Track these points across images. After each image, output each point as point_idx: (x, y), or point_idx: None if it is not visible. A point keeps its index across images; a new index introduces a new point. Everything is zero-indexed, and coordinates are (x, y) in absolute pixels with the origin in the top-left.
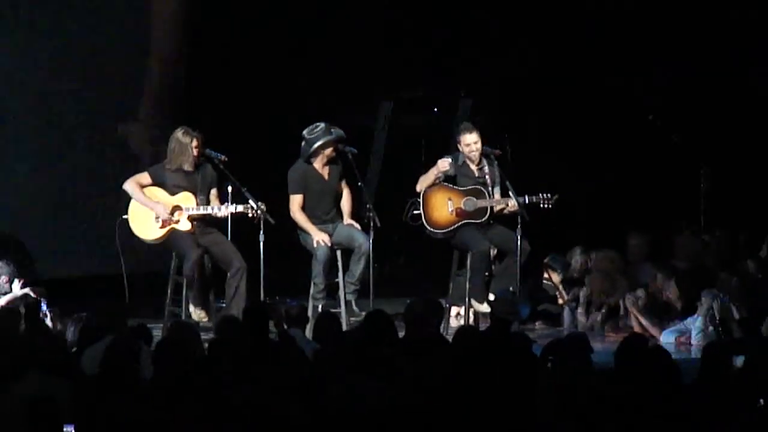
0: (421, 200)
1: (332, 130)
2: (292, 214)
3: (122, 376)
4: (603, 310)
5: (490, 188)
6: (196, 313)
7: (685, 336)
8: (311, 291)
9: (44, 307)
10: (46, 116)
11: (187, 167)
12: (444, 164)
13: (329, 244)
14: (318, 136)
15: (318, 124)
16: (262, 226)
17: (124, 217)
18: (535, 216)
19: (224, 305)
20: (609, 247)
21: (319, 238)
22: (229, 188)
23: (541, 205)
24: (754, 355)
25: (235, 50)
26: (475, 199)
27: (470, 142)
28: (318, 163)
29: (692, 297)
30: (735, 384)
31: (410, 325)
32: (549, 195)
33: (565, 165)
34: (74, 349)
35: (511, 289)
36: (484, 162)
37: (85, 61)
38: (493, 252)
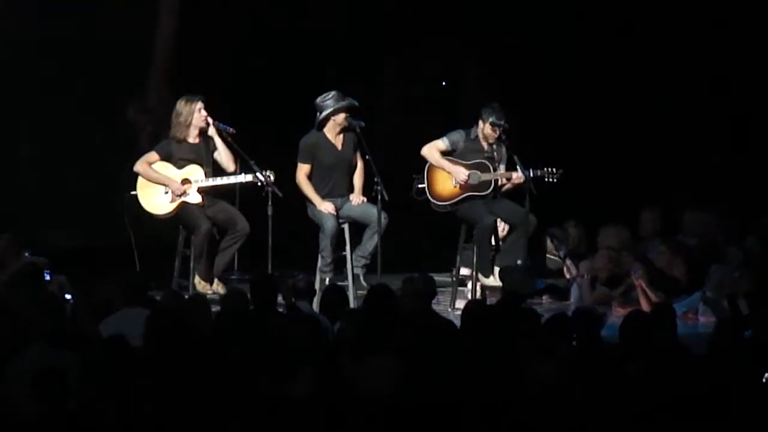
0: (425, 174)
1: (345, 98)
2: (297, 182)
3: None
4: (616, 288)
5: (496, 163)
6: (202, 285)
7: (692, 311)
8: (318, 264)
9: (48, 276)
10: (56, 86)
11: (192, 138)
12: (461, 178)
13: (334, 213)
14: (329, 103)
15: (330, 92)
16: (270, 198)
17: (133, 192)
18: (541, 190)
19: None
20: (617, 222)
21: (323, 207)
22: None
23: (546, 179)
24: (761, 329)
25: (242, 16)
26: (479, 173)
27: (491, 130)
28: (330, 132)
29: (700, 272)
30: (742, 358)
31: (405, 300)
32: (554, 169)
33: (575, 137)
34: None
35: (519, 262)
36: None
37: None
38: (504, 227)
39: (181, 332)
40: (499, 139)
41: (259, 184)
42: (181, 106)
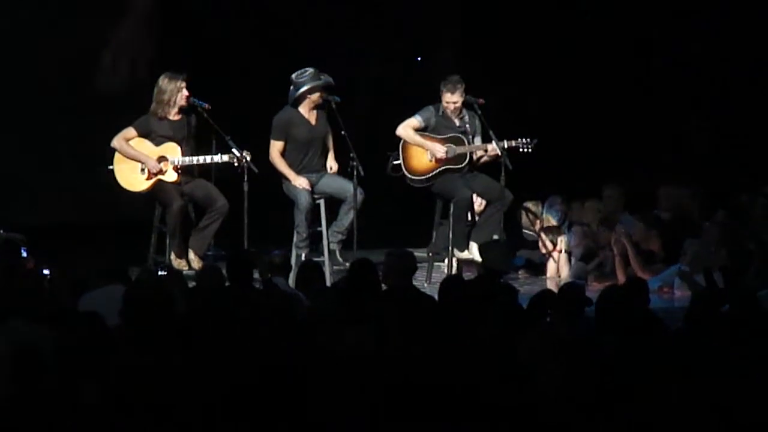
0: (400, 150)
1: (321, 76)
2: (271, 159)
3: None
4: (591, 262)
5: (470, 136)
6: (177, 262)
7: (668, 285)
8: (294, 240)
9: (24, 253)
10: (30, 64)
11: (173, 116)
12: (439, 154)
13: (309, 189)
14: (305, 80)
15: (307, 69)
16: (246, 175)
17: (110, 167)
18: (515, 163)
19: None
20: (589, 196)
21: (298, 182)
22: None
23: (521, 149)
24: (737, 304)
25: None
26: (454, 146)
27: (450, 101)
28: (304, 108)
29: (675, 247)
30: (719, 332)
31: (386, 276)
32: (528, 139)
33: (551, 111)
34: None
35: (495, 237)
36: (465, 112)
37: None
38: (480, 202)
39: (158, 308)
40: (471, 110)
41: (235, 164)
42: (164, 83)
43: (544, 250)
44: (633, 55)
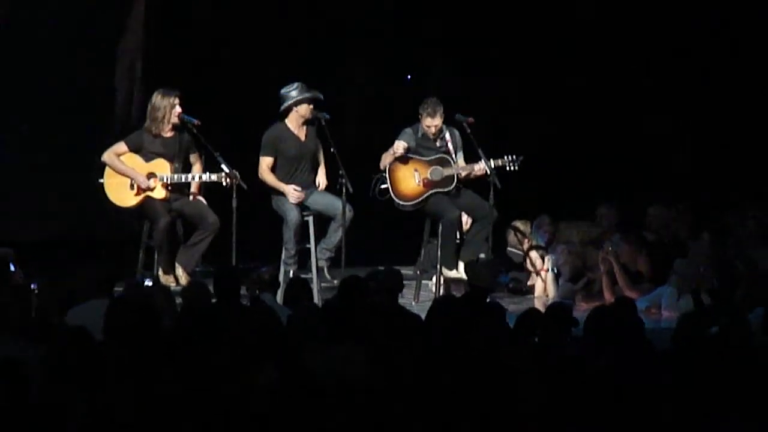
0: (387, 174)
1: (309, 90)
2: (260, 175)
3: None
4: (579, 282)
5: (453, 155)
6: (165, 278)
7: (655, 306)
8: (282, 256)
9: (12, 268)
10: (22, 79)
11: (166, 133)
12: (399, 149)
13: (302, 197)
14: (293, 94)
15: (295, 82)
16: (234, 191)
17: (101, 181)
18: (503, 182)
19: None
20: (577, 217)
21: (290, 192)
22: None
23: (508, 168)
24: (726, 325)
25: (206, 8)
26: (441, 168)
27: (431, 124)
28: (293, 123)
29: (663, 267)
30: (708, 353)
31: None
32: (514, 156)
33: (536, 132)
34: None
35: (482, 256)
36: (444, 129)
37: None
38: (467, 220)
39: (141, 323)
40: (457, 128)
41: (225, 183)
42: (158, 100)
43: (531, 269)
44: (621, 74)
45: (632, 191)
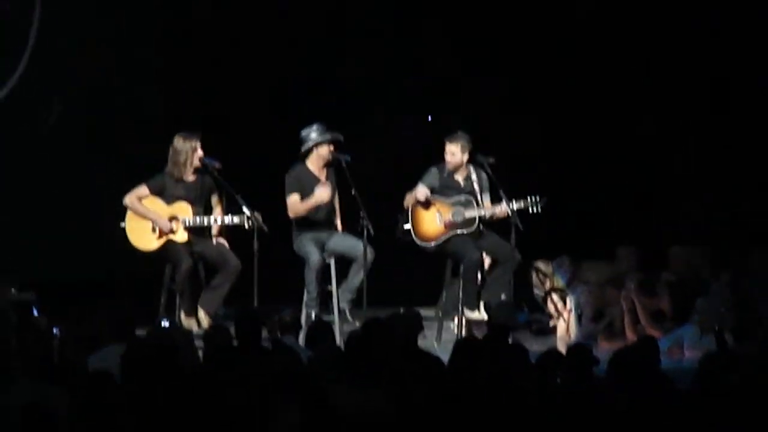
0: (409, 214)
1: (329, 131)
2: (292, 212)
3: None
4: (600, 322)
5: (479, 196)
6: (187, 321)
7: (677, 346)
8: (304, 298)
9: (35, 312)
10: (42, 117)
11: (188, 176)
12: (420, 195)
13: (329, 192)
14: (313, 135)
15: (315, 124)
16: (256, 233)
17: (122, 225)
18: (525, 223)
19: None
20: (598, 256)
21: (321, 190)
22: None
23: (531, 210)
24: (749, 368)
25: (227, 49)
26: (463, 210)
27: (448, 151)
28: (313, 165)
29: (685, 307)
30: (732, 396)
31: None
32: (536, 198)
33: (558, 173)
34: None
35: (503, 297)
36: (471, 170)
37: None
38: (487, 261)
39: (158, 366)
40: (476, 168)
41: (247, 227)
42: (179, 143)
43: (553, 311)
44: (642, 114)
45: (652, 232)
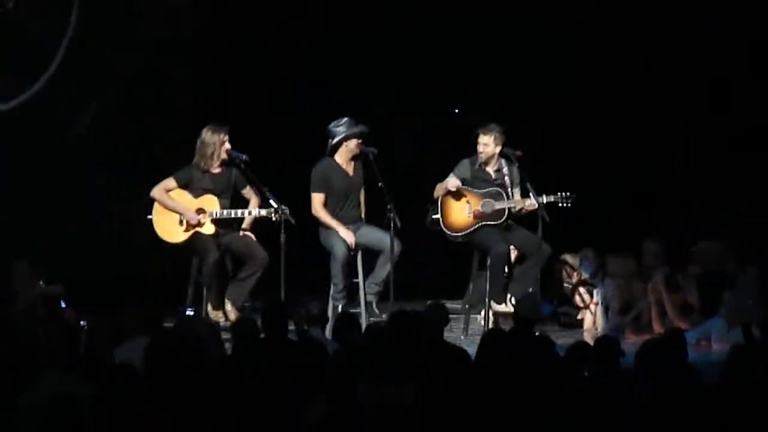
0: (438, 204)
1: (357, 125)
2: (314, 212)
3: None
4: (628, 315)
5: (509, 189)
6: (214, 314)
7: (705, 338)
8: (331, 291)
9: (63, 305)
10: (71, 115)
11: (215, 169)
12: (452, 186)
13: (353, 243)
14: (341, 129)
15: (343, 117)
16: (283, 226)
17: (149, 217)
18: (552, 217)
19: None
20: (625, 250)
21: (344, 235)
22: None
23: (560, 204)
24: None
25: (257, 43)
26: (492, 201)
27: (481, 143)
28: (341, 158)
29: (712, 300)
30: (760, 389)
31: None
32: (567, 194)
33: (584, 166)
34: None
35: (531, 290)
36: (503, 163)
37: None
38: (514, 254)
39: (181, 360)
40: (508, 162)
41: (273, 219)
42: (207, 136)
43: (580, 303)
44: (672, 111)
45: (678, 225)
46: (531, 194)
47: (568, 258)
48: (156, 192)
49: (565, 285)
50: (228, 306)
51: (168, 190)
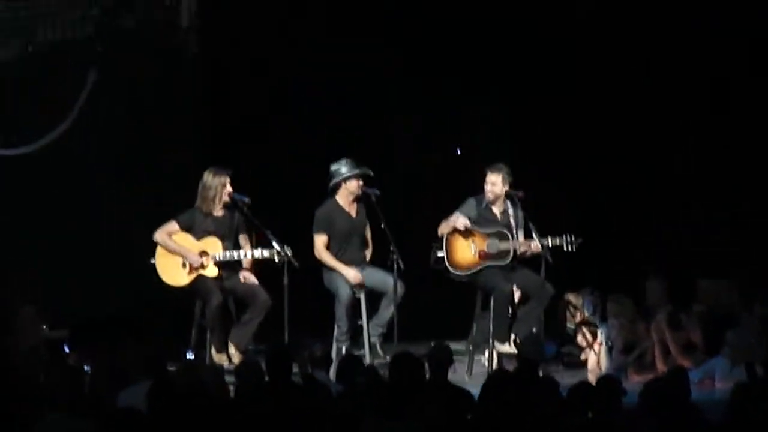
0: (443, 243)
1: (358, 166)
2: (317, 254)
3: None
4: (631, 354)
5: (514, 230)
6: (218, 357)
7: (709, 377)
8: (335, 333)
9: (66, 349)
10: (75, 156)
11: (218, 211)
12: (459, 224)
13: (360, 281)
14: (342, 170)
15: (344, 159)
16: (286, 268)
17: (152, 261)
18: (556, 257)
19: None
20: (628, 288)
21: (348, 275)
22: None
23: (565, 248)
24: None
25: (259, 84)
26: (498, 241)
27: (489, 181)
28: (343, 199)
29: (715, 339)
30: (763, 427)
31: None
32: (573, 237)
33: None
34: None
35: (534, 330)
36: (508, 204)
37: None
38: (518, 294)
39: (185, 404)
40: (513, 203)
41: (277, 261)
42: (209, 179)
43: (583, 343)
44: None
45: (680, 265)
46: (534, 236)
47: (571, 297)
48: (158, 235)
49: (569, 325)
50: (231, 349)
51: (170, 234)
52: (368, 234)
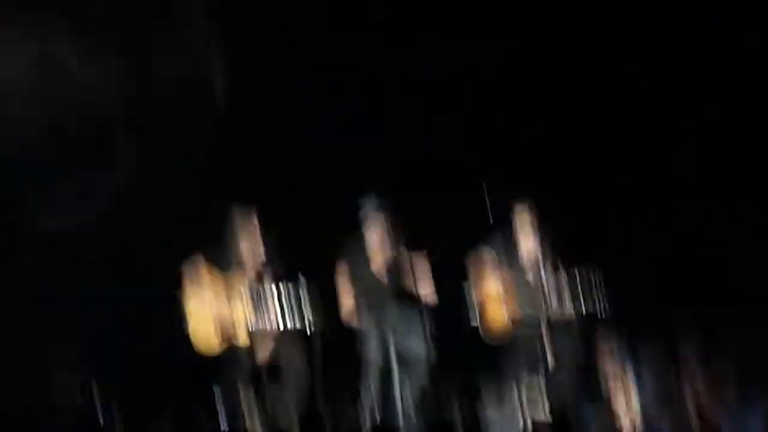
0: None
1: None
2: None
3: None
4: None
5: None
6: (251, 427)
7: None
8: (365, 400)
9: (101, 418)
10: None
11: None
12: None
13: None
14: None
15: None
16: (318, 336)
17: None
18: None
19: None
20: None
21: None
22: None
23: None
24: None
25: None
26: None
27: None
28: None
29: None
30: None
31: None
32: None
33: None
34: None
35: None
36: None
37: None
38: None
39: None
40: None
41: (308, 331)
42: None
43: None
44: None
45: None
46: None
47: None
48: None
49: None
50: (265, 417)
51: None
52: None
